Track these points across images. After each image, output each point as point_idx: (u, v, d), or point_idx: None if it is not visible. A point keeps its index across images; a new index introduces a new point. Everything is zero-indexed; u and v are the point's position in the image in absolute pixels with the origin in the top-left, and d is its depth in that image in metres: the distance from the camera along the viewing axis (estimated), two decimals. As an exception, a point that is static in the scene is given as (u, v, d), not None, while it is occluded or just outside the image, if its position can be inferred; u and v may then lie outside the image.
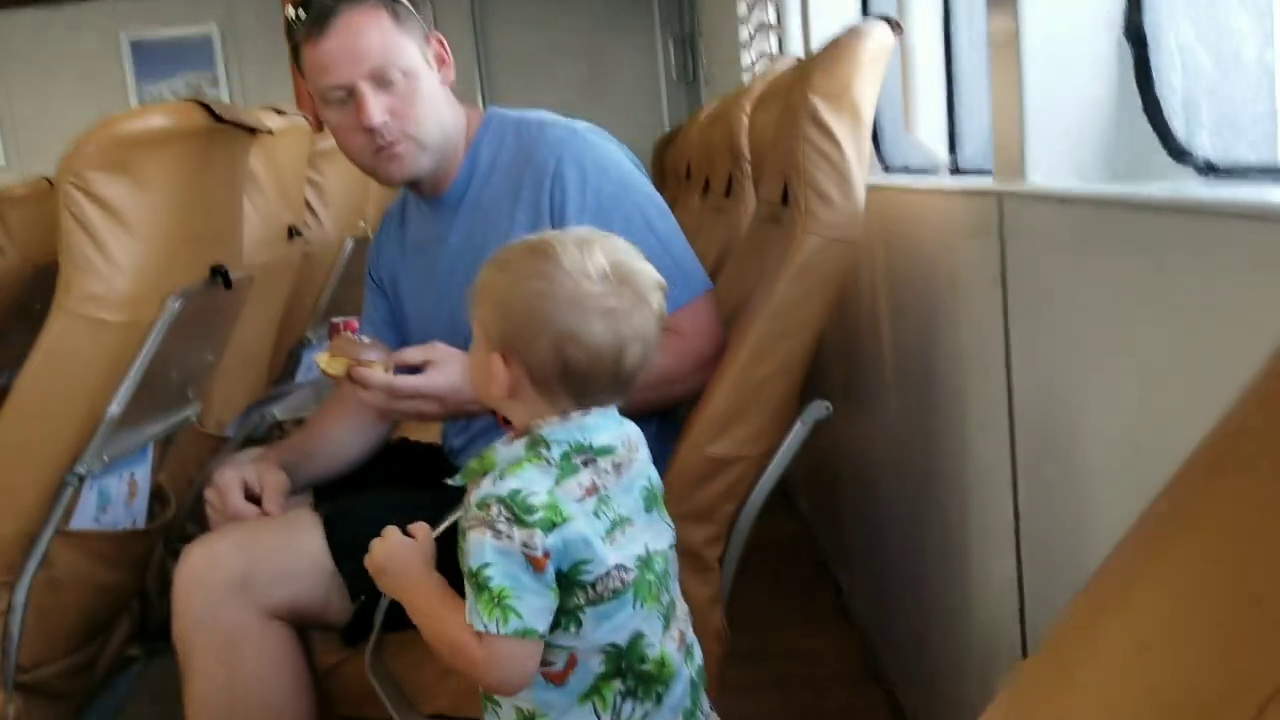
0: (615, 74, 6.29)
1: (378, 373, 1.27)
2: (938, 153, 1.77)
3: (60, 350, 1.35)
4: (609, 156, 1.47)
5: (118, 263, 1.34)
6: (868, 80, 1.36)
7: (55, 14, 6.33)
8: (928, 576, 1.59)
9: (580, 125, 1.51)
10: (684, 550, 1.33)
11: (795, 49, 2.80)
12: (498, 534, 0.91)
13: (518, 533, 0.90)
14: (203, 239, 1.52)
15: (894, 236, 1.51)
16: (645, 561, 0.99)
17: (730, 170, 2.04)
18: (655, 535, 1.01)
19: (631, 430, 1.02)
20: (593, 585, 0.94)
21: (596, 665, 0.96)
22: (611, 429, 0.99)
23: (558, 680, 0.96)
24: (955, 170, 1.75)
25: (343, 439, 1.58)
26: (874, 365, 1.72)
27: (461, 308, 1.50)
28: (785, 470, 1.42)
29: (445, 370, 1.30)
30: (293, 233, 2.15)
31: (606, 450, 0.98)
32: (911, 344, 1.53)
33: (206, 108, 1.43)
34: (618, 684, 0.97)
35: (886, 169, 2.01)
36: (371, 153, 1.44)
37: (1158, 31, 1.07)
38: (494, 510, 0.91)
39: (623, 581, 0.95)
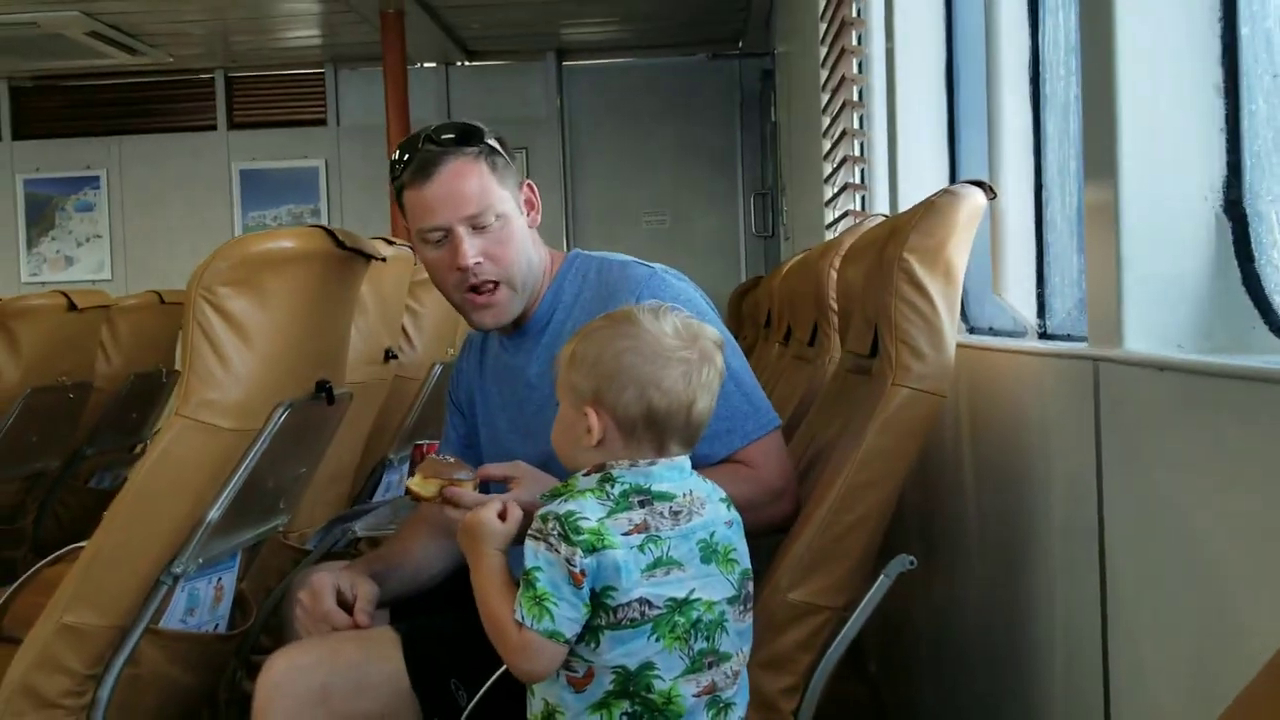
0: (695, 226, 6.47)
1: (469, 491, 1.31)
2: (1026, 317, 1.80)
3: (174, 453, 1.40)
4: (686, 295, 1.54)
5: (236, 373, 1.41)
6: (961, 241, 1.41)
7: (175, 141, 6.72)
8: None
9: (659, 267, 1.58)
10: (759, 699, 1.33)
11: (881, 207, 2.88)
12: (549, 545, 1.08)
13: (564, 548, 1.07)
14: (312, 355, 1.59)
15: (982, 395, 1.53)
16: (680, 604, 1.11)
17: (815, 320, 2.08)
18: (708, 586, 1.14)
19: (698, 486, 1.17)
20: (614, 610, 1.09)
21: (608, 682, 1.11)
22: (675, 480, 1.15)
23: (577, 686, 1.12)
24: (1044, 335, 1.78)
25: (425, 557, 1.61)
26: (956, 523, 1.71)
27: (538, 432, 1.54)
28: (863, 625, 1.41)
29: (529, 486, 1.34)
30: (389, 355, 2.23)
31: (665, 496, 1.13)
32: (997, 503, 1.52)
33: (330, 233, 1.52)
34: (625, 704, 1.11)
35: (971, 330, 2.04)
36: (463, 289, 1.51)
37: (1257, 205, 1.10)
38: (550, 525, 1.09)
39: (643, 614, 1.10)
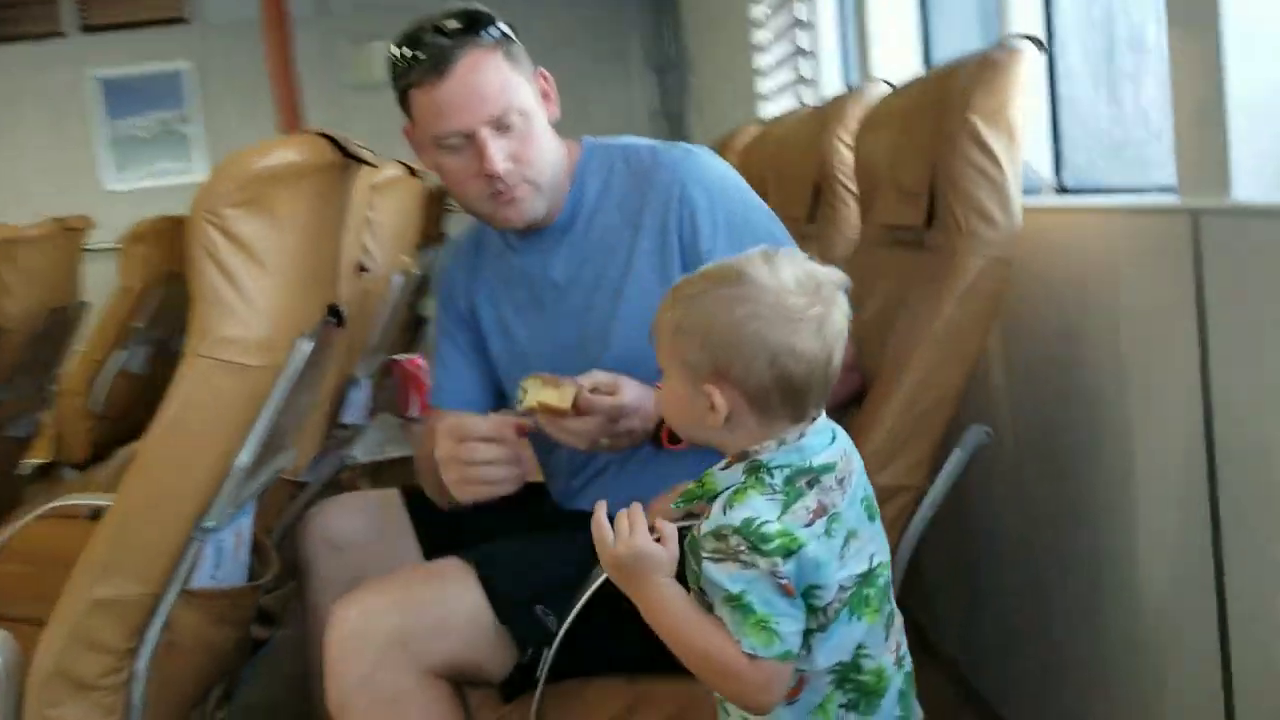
0: (592, 110, 6.25)
1: (605, 397, 1.23)
2: (1040, 171, 1.76)
3: (197, 399, 1.27)
4: (728, 176, 1.46)
5: (255, 304, 1.27)
6: (1021, 99, 1.35)
7: (18, 52, 6.16)
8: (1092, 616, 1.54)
9: (684, 145, 1.49)
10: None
11: (832, 78, 2.80)
12: (743, 564, 0.95)
13: (761, 561, 0.94)
14: (321, 277, 1.45)
15: (1052, 260, 1.48)
16: (867, 575, 1.02)
17: (813, 194, 2.01)
18: (879, 546, 1.04)
19: (845, 442, 1.04)
20: (823, 610, 0.98)
21: (824, 684, 1.01)
22: (828, 446, 1.01)
23: (790, 697, 1.00)
24: (1061, 189, 1.74)
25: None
26: (1027, 398, 1.65)
27: (584, 337, 1.45)
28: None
29: (635, 388, 1.27)
30: (360, 268, 2.09)
31: (828, 468, 1.00)
32: (1079, 373, 1.47)
33: (332, 140, 1.37)
34: (839, 696, 1.01)
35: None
36: (489, 198, 1.41)
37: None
38: (733, 541, 0.95)
39: (841, 601, 0.99)
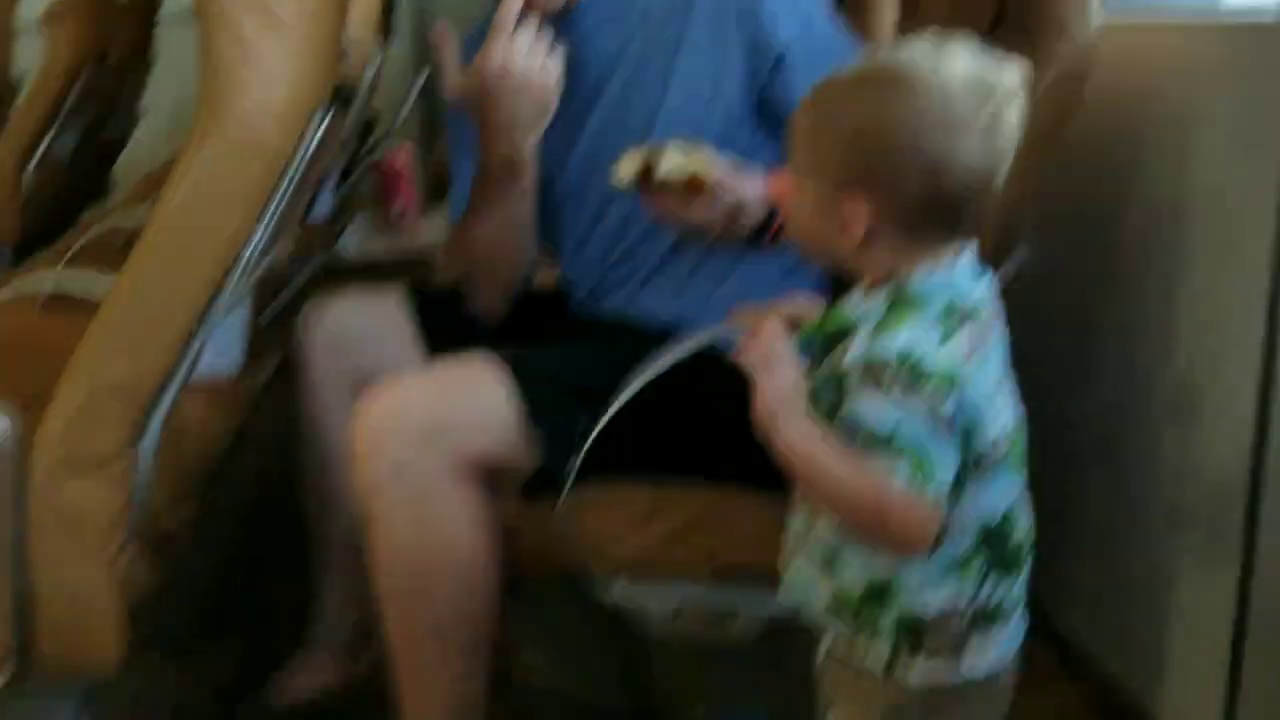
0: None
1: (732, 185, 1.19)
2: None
3: (208, 181, 1.17)
4: None
5: (272, 73, 1.16)
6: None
7: None
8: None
9: None
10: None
11: None
12: (901, 398, 0.85)
13: (919, 395, 0.85)
14: (334, 45, 1.33)
15: (1130, 80, 1.41)
16: (1016, 429, 0.93)
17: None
18: (1015, 401, 0.95)
19: (989, 285, 0.94)
20: (980, 456, 0.89)
21: (969, 539, 0.92)
22: (978, 286, 0.92)
23: (931, 548, 0.90)
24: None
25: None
26: (1097, 223, 1.58)
27: (624, 127, 1.37)
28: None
29: (756, 184, 1.25)
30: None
31: (976, 313, 0.90)
32: (1153, 213, 1.42)
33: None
34: (980, 559, 0.93)
35: None
36: None
37: None
38: (889, 373, 0.86)
39: (1000, 450, 0.90)
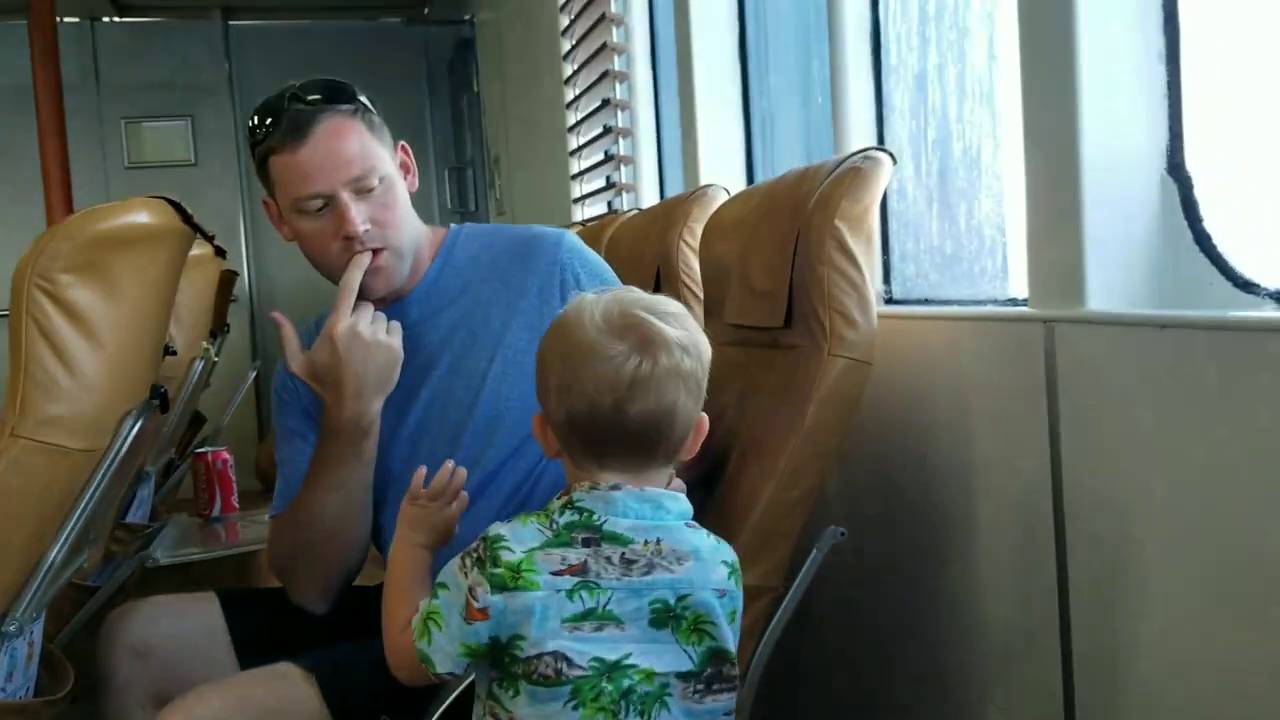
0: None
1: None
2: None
3: (11, 485, 1.12)
4: (601, 261, 1.52)
5: (83, 380, 1.15)
6: (876, 207, 1.41)
7: None
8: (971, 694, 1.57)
9: (559, 229, 1.53)
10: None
11: (649, 183, 2.87)
12: (464, 567, 0.96)
13: (474, 575, 0.95)
14: (151, 355, 1.33)
15: (906, 362, 1.53)
16: (610, 669, 0.96)
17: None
18: (653, 654, 0.97)
19: (679, 538, 0.99)
20: (525, 662, 0.95)
21: None
22: (639, 520, 0.98)
23: None
24: (890, 300, 1.83)
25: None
26: (885, 496, 1.67)
27: (452, 396, 1.40)
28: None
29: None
30: (167, 350, 1.93)
31: (616, 539, 0.96)
32: (930, 473, 1.52)
33: (176, 206, 1.28)
34: None
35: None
36: (347, 261, 1.36)
37: (1197, 167, 1.17)
38: (478, 545, 0.97)
39: (558, 673, 0.94)
